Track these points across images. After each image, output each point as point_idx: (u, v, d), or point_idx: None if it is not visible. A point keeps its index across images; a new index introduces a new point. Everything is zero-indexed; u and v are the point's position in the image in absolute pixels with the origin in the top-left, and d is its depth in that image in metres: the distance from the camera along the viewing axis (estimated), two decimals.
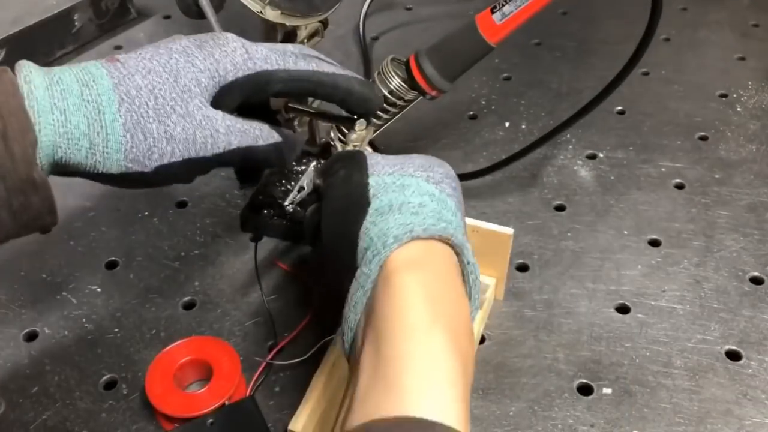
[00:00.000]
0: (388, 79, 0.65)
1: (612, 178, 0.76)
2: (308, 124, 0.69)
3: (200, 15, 0.59)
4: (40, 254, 0.69)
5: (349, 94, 0.50)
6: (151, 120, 0.41)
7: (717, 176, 0.76)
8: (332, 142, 0.65)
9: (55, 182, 0.40)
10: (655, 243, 0.69)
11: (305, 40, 0.62)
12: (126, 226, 0.72)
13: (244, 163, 0.47)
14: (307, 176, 0.51)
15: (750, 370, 0.58)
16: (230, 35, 0.46)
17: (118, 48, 0.97)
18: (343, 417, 0.40)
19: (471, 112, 0.86)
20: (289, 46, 0.49)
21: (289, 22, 0.55)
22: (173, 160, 0.43)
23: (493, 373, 0.58)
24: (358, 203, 0.45)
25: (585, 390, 0.57)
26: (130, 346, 0.61)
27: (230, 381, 0.55)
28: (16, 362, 0.60)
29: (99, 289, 0.66)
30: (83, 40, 0.96)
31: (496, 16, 0.60)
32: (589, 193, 0.75)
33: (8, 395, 0.57)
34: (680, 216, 0.72)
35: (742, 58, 0.94)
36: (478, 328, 0.59)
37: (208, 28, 0.58)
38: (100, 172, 0.42)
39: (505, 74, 0.92)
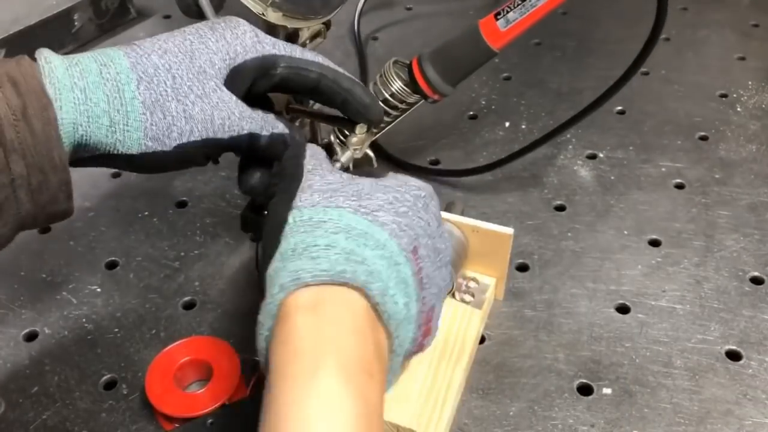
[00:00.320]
0: (390, 82, 0.65)
1: (612, 178, 0.77)
2: (309, 125, 0.69)
3: (200, 15, 0.59)
4: (40, 254, 0.69)
5: (350, 95, 0.50)
6: (170, 98, 0.42)
7: (717, 176, 0.76)
8: (333, 144, 0.65)
9: None
10: (655, 243, 0.69)
11: (307, 41, 0.62)
12: (126, 226, 0.72)
13: (250, 152, 0.47)
14: None
15: (750, 370, 0.58)
16: (241, 20, 0.47)
17: None
18: None
19: (471, 112, 0.86)
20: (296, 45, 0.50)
21: (291, 24, 0.55)
22: (192, 139, 0.43)
23: (493, 373, 0.58)
24: (271, 243, 0.43)
25: (585, 390, 0.57)
26: (130, 346, 0.61)
27: (230, 381, 0.55)
28: (16, 362, 0.60)
29: (99, 289, 0.66)
30: (83, 40, 0.96)
31: (501, 23, 0.60)
32: (589, 193, 0.75)
33: (8, 395, 0.57)
34: (680, 216, 0.72)
35: (742, 58, 0.94)
36: (478, 328, 0.59)
37: None
38: (120, 152, 0.42)
39: (505, 74, 0.92)
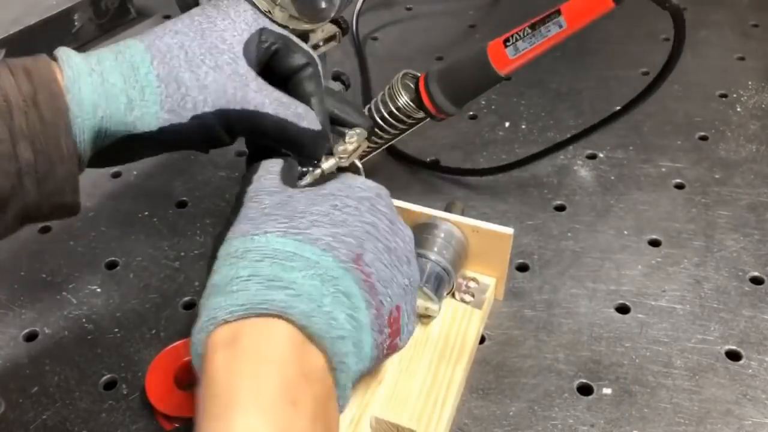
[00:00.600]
0: (396, 96, 0.65)
1: (612, 178, 0.77)
2: None
3: None
4: (40, 254, 0.69)
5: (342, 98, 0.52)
6: (183, 70, 0.44)
7: (717, 176, 0.76)
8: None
9: None
10: (655, 243, 0.69)
11: (321, 43, 0.62)
12: (126, 226, 0.72)
13: (276, 138, 0.47)
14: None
15: (750, 370, 0.58)
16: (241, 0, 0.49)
17: None
18: None
19: (471, 112, 0.86)
20: None
21: (294, 25, 0.55)
22: (206, 109, 0.44)
23: (493, 373, 0.58)
24: (208, 277, 0.41)
25: (585, 390, 0.57)
26: (130, 346, 0.61)
27: None
28: (16, 362, 0.60)
29: (99, 289, 0.66)
30: (83, 40, 0.96)
31: (509, 51, 0.60)
32: (589, 193, 0.75)
33: (8, 395, 0.57)
34: (680, 216, 0.72)
35: (742, 58, 0.94)
36: (478, 328, 0.59)
37: None
38: (139, 131, 0.43)
39: None
